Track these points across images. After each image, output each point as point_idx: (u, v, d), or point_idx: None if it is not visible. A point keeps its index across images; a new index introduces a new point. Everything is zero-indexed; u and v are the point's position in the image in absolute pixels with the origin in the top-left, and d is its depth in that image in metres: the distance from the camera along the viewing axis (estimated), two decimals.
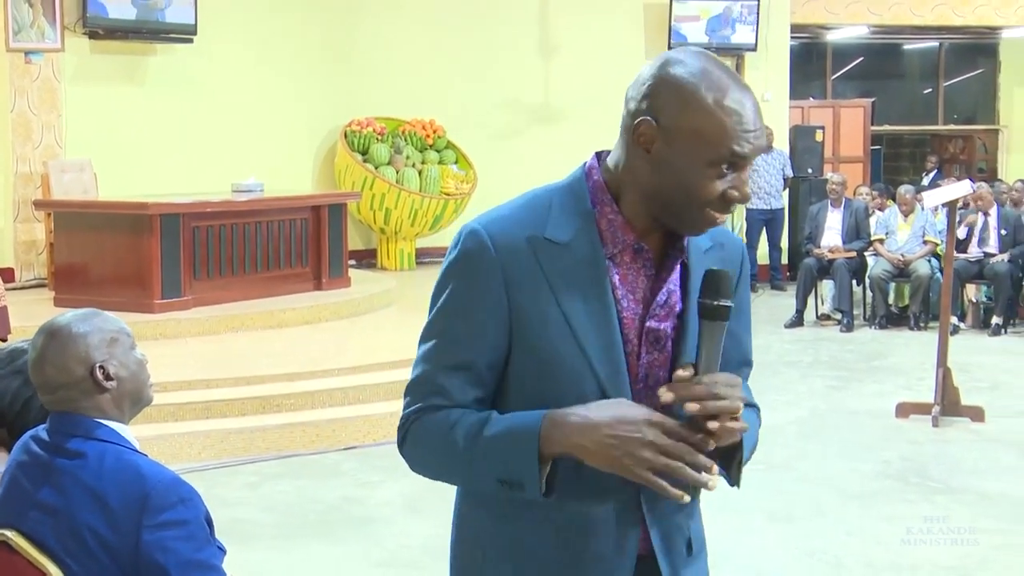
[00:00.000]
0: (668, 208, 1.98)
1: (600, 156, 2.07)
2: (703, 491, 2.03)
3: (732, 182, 1.93)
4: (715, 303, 1.92)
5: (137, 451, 2.87)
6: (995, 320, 12.61)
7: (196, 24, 12.06)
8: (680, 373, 1.90)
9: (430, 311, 2.07)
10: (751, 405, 2.21)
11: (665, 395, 1.87)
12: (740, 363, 2.25)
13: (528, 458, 1.90)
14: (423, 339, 2.06)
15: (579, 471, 1.94)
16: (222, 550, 2.88)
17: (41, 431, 2.88)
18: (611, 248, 2.01)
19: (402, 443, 2.08)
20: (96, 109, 11.39)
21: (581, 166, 2.08)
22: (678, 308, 2.07)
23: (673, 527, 2.11)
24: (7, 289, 8.68)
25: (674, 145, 1.91)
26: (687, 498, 1.90)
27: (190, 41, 12.07)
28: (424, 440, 2.03)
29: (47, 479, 2.81)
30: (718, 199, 1.93)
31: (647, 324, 2.04)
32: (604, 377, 1.97)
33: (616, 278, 2.01)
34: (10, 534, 2.78)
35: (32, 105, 11.08)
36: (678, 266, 2.06)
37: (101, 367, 2.82)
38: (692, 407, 1.85)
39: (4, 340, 7.87)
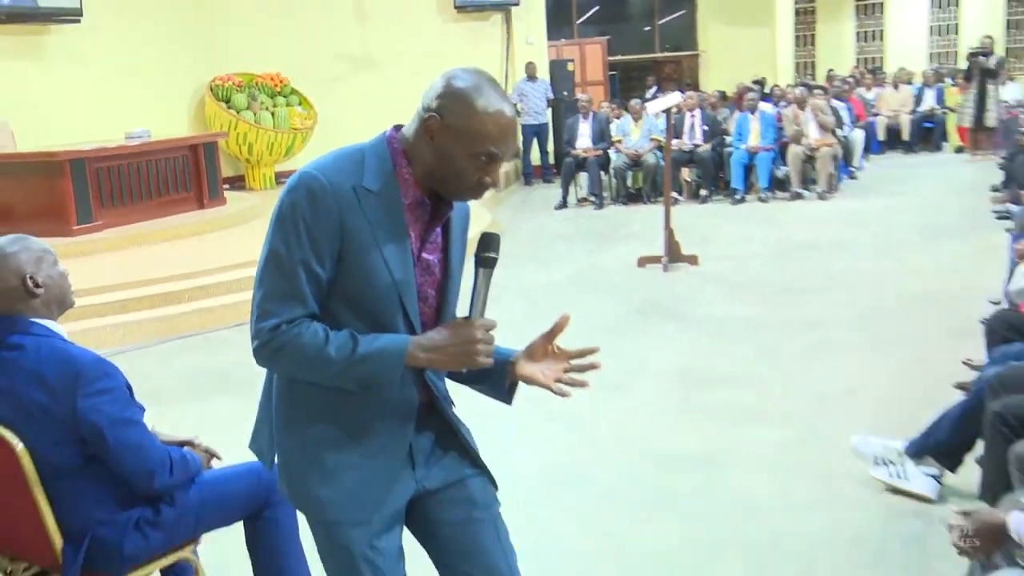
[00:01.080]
0: (440, 182, 2.11)
1: (398, 128, 2.16)
2: None
3: (487, 171, 2.08)
4: (487, 255, 2.11)
5: (67, 340, 2.84)
6: (703, 193, 13.01)
7: (81, 7, 11.46)
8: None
9: (273, 235, 2.08)
10: None
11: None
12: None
13: (395, 370, 2.07)
14: (270, 261, 2.07)
15: None
16: (142, 408, 2.89)
17: None
18: (404, 198, 2.12)
19: (265, 349, 2.06)
20: (7, 80, 10.77)
21: (383, 134, 2.16)
22: (441, 246, 2.22)
23: (441, 386, 2.31)
24: None
25: (450, 138, 2.04)
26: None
27: (78, 21, 11.49)
28: (298, 351, 2.05)
29: None
30: (476, 182, 2.08)
31: (422, 255, 2.17)
32: (401, 289, 2.10)
33: (409, 223, 2.13)
34: None
35: None
36: (442, 215, 2.21)
37: (31, 278, 2.78)
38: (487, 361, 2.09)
39: None
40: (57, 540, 2.79)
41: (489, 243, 2.11)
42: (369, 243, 2.05)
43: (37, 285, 2.79)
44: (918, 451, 4.12)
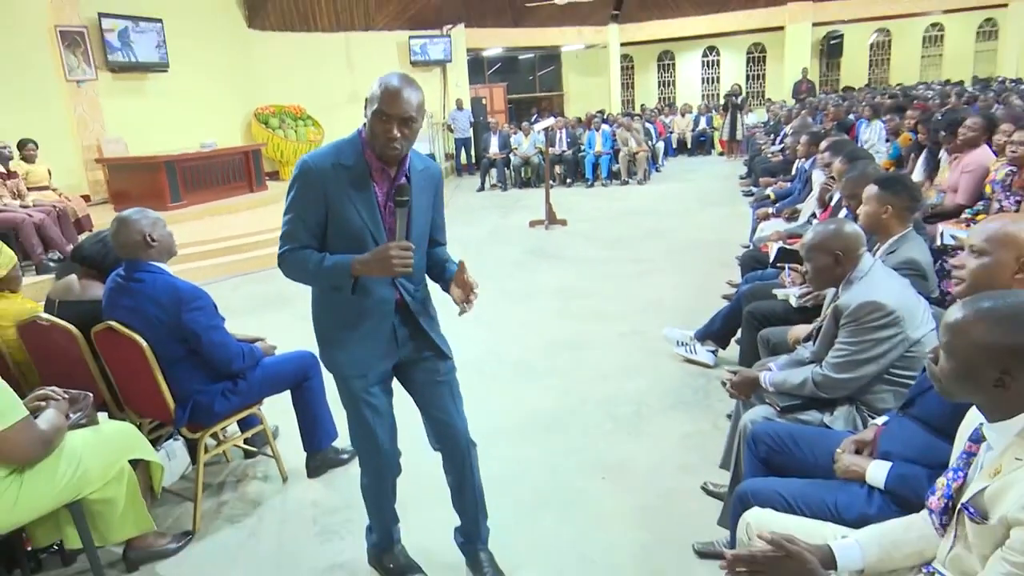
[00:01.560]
0: (372, 146, 2.02)
1: (365, 126, 2.07)
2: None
3: (386, 129, 1.97)
4: (401, 199, 1.99)
5: (173, 276, 2.75)
6: (568, 180, 12.87)
7: (168, 61, 10.89)
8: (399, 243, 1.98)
9: (286, 199, 2.08)
10: (449, 259, 2.32)
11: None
12: (436, 244, 2.30)
13: (344, 276, 2.02)
14: (285, 213, 2.08)
15: (366, 279, 2.07)
16: (223, 319, 2.83)
17: (120, 271, 2.73)
18: (371, 168, 2.05)
19: (280, 264, 2.10)
20: (122, 109, 10.24)
21: (356, 130, 2.08)
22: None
23: (411, 290, 2.20)
24: (88, 205, 8.03)
25: (368, 107, 1.98)
26: (411, 270, 2.00)
27: (166, 71, 10.90)
28: (293, 265, 2.07)
29: (126, 293, 2.68)
30: (384, 139, 1.97)
31: (388, 204, 2.08)
32: (371, 228, 2.04)
33: (375, 184, 2.05)
34: (112, 323, 2.64)
35: (85, 110, 9.85)
36: (404, 177, 2.09)
37: (149, 235, 2.68)
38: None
39: (89, 231, 7.19)
40: (171, 403, 2.73)
41: (402, 191, 2.00)
42: (345, 200, 2.01)
43: (153, 240, 2.68)
44: (702, 336, 4.22)
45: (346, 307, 2.13)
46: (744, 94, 15.02)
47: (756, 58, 21.01)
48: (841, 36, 19.53)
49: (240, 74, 12.88)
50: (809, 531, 1.74)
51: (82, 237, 6.87)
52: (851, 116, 9.68)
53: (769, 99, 19.05)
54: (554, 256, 7.30)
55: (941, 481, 1.48)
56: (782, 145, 9.86)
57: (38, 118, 9.15)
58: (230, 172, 10.03)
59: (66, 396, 2.38)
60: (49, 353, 2.85)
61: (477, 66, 19.52)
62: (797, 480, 2.03)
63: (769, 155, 9.85)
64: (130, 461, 2.45)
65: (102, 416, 2.55)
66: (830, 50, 19.88)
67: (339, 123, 13.60)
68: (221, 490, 3.14)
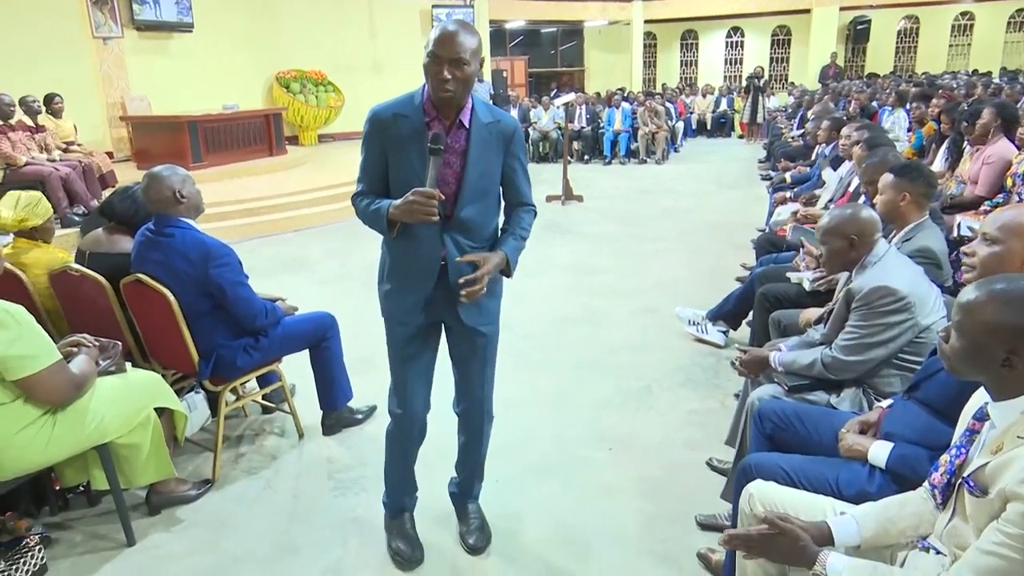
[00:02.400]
0: (429, 91, 2.02)
1: None
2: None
3: (437, 70, 1.95)
4: (435, 147, 1.96)
5: (201, 232, 2.80)
6: (586, 157, 12.82)
7: (193, 22, 10.89)
8: (427, 189, 1.95)
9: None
10: (522, 231, 2.27)
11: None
12: (518, 204, 2.26)
13: (383, 219, 2.05)
14: (361, 160, 2.16)
15: (416, 228, 2.08)
16: (247, 276, 2.86)
17: (150, 225, 2.79)
18: (427, 119, 2.05)
19: (352, 202, 2.17)
20: (147, 68, 10.28)
21: (422, 85, 2.06)
22: (461, 150, 2.08)
23: (464, 246, 2.16)
24: (112, 162, 8.10)
25: (425, 51, 1.97)
26: (436, 217, 1.98)
27: (191, 32, 10.91)
28: (356, 207, 2.13)
29: (156, 247, 2.74)
30: (436, 80, 1.95)
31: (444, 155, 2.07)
32: (421, 176, 2.01)
33: (429, 133, 2.03)
34: (141, 276, 2.70)
35: (111, 67, 9.92)
36: (462, 128, 2.08)
37: (179, 191, 2.72)
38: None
39: (113, 186, 7.27)
40: (195, 356, 2.80)
41: (437, 139, 1.97)
42: (399, 146, 2.04)
43: (183, 196, 2.73)
44: (714, 316, 4.23)
45: (397, 255, 2.17)
46: (766, 77, 14.84)
47: (781, 41, 20.69)
48: (868, 21, 19.19)
49: (263, 37, 12.85)
50: (809, 505, 1.78)
51: (106, 193, 6.96)
52: (874, 103, 9.57)
53: (792, 83, 18.80)
54: (570, 231, 7.31)
55: (944, 458, 1.52)
56: (802, 130, 9.76)
57: (63, 74, 9.21)
58: (251, 135, 10.04)
59: (96, 343, 2.46)
60: (78, 302, 2.93)
61: (499, 38, 19.37)
62: (800, 456, 2.06)
63: (790, 139, 9.75)
64: (155, 410, 2.52)
65: (127, 365, 2.62)
66: (856, 35, 19.54)
67: (360, 90, 13.58)
68: (239, 443, 3.22)
